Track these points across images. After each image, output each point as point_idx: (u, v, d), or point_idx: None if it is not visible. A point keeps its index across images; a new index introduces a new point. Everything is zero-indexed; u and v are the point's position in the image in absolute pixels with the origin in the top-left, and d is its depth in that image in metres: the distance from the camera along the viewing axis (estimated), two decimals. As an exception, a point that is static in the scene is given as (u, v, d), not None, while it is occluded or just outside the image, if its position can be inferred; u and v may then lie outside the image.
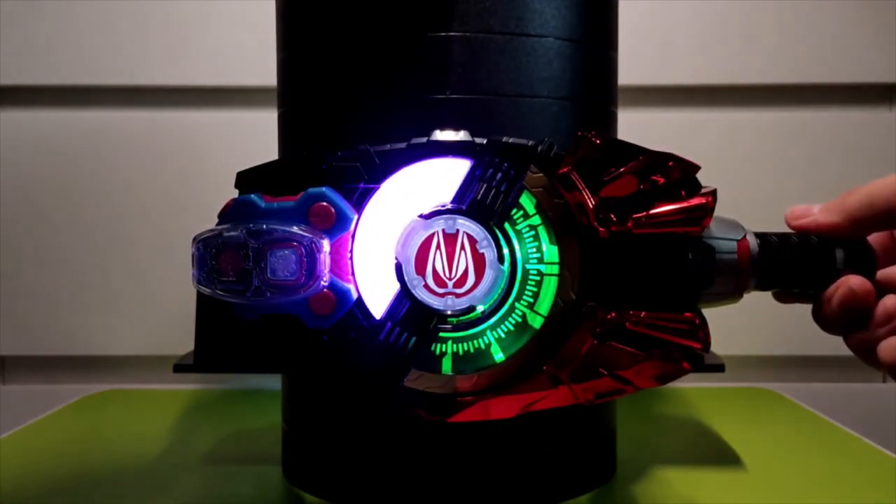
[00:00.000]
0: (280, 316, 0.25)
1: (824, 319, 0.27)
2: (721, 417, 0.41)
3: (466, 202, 0.25)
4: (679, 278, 0.25)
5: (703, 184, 0.25)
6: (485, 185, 0.25)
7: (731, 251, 0.27)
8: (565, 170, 0.25)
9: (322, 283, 0.25)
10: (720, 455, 0.35)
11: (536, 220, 0.25)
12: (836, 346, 0.51)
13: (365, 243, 0.25)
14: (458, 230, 0.25)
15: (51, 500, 0.30)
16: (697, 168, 0.25)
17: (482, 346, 0.25)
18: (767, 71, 0.50)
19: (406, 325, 0.25)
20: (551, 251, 0.25)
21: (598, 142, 0.25)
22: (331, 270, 0.25)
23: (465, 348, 0.25)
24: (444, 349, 0.25)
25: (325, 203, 0.25)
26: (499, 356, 0.25)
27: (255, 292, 0.25)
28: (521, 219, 0.25)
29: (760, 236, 0.28)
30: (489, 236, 0.25)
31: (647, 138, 0.27)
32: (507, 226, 0.25)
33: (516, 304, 0.25)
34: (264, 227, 0.25)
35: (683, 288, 0.25)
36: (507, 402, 0.25)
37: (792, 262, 0.28)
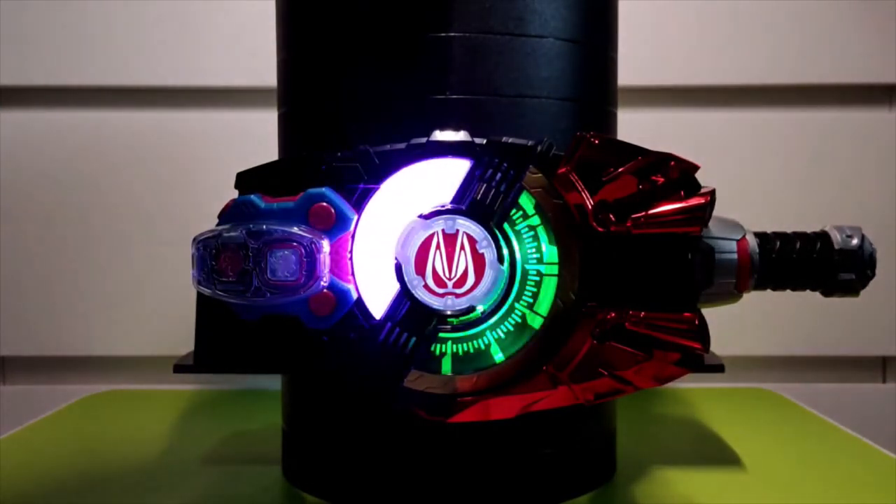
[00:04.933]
0: (280, 316, 0.25)
1: None
2: (721, 417, 0.41)
3: (466, 202, 0.25)
4: (679, 278, 0.25)
5: (702, 184, 0.25)
6: (484, 186, 0.25)
7: (731, 251, 0.27)
8: (564, 170, 0.25)
9: (322, 283, 0.25)
10: (720, 455, 0.35)
11: (536, 220, 0.25)
12: (836, 346, 0.52)
13: (365, 243, 0.25)
14: (457, 230, 0.25)
15: (51, 500, 0.30)
16: (697, 168, 0.25)
17: (482, 346, 0.25)
18: (767, 71, 0.50)
19: (406, 326, 0.25)
20: (551, 251, 0.25)
21: (596, 142, 0.25)
22: (331, 271, 0.25)
23: (465, 349, 0.25)
24: (443, 349, 0.25)
25: (325, 203, 0.25)
26: (499, 356, 0.25)
27: (255, 293, 0.25)
28: (521, 219, 0.25)
29: (760, 236, 0.28)
30: (489, 236, 0.25)
31: (647, 138, 0.27)
32: (506, 226, 0.25)
33: (516, 305, 0.25)
34: (264, 227, 0.25)
35: (683, 288, 0.25)
36: (507, 402, 0.25)
37: (792, 262, 0.28)
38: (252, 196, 0.26)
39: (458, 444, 0.28)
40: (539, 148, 0.25)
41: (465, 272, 0.25)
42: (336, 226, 0.25)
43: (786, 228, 0.29)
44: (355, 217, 0.25)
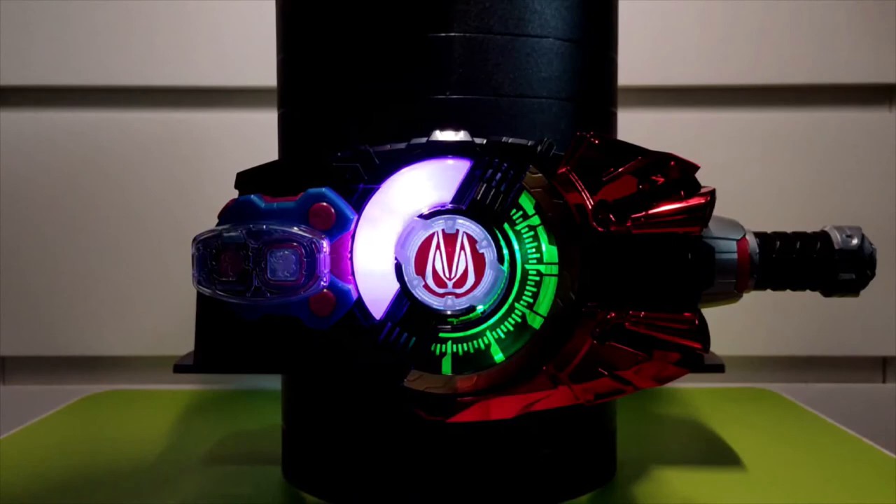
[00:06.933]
0: (280, 316, 0.25)
1: None
2: (721, 417, 0.41)
3: (466, 202, 0.25)
4: (679, 278, 0.25)
5: (702, 184, 0.25)
6: (484, 186, 0.25)
7: (731, 251, 0.27)
8: (564, 170, 0.25)
9: (322, 283, 0.25)
10: (720, 455, 0.35)
11: (536, 220, 0.25)
12: (836, 346, 0.52)
13: (365, 243, 0.25)
14: (457, 230, 0.25)
15: (51, 500, 0.30)
16: (696, 168, 0.25)
17: (482, 346, 0.25)
18: (767, 71, 0.50)
19: (406, 326, 0.25)
20: (551, 251, 0.25)
21: (596, 142, 0.25)
22: (331, 271, 0.25)
23: (465, 348, 0.25)
24: (443, 349, 0.25)
25: (325, 203, 0.25)
26: (499, 356, 0.25)
27: (255, 293, 0.25)
28: (521, 219, 0.25)
29: (760, 236, 0.28)
30: (489, 236, 0.25)
31: (647, 138, 0.27)
32: (506, 226, 0.25)
33: (516, 305, 0.25)
34: (264, 227, 0.25)
35: (683, 288, 0.25)
36: (507, 402, 0.25)
37: (792, 262, 0.28)
38: (252, 196, 0.26)
39: (458, 445, 0.28)
40: (539, 148, 0.25)
41: (465, 272, 0.25)
42: (336, 226, 0.25)
43: (786, 228, 0.29)
44: (355, 217, 0.25)
